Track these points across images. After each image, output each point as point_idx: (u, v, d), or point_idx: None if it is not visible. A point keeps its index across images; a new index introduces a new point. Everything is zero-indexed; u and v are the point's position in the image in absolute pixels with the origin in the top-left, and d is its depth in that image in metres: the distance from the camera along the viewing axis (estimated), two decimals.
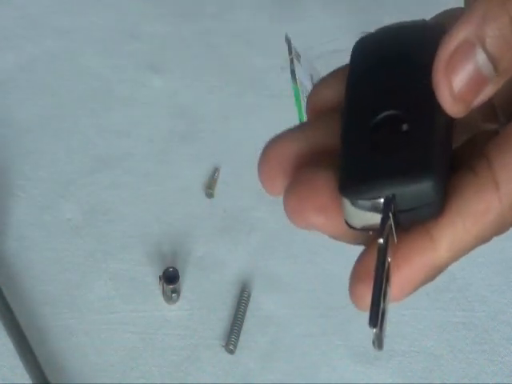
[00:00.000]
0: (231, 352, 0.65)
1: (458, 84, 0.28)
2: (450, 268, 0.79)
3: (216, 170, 0.74)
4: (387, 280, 0.30)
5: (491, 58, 0.28)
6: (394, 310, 0.76)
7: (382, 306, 0.29)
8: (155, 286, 0.67)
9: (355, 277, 0.31)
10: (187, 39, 0.83)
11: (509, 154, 0.29)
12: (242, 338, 0.65)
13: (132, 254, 0.69)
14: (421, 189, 0.29)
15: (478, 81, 0.28)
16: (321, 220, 0.31)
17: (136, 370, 0.64)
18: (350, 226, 0.31)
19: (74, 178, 0.73)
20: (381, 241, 0.29)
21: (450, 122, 0.31)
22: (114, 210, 0.71)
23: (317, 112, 0.34)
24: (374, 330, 0.29)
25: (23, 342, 0.63)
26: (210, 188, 0.73)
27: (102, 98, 0.79)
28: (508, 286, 0.69)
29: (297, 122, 0.63)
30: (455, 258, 0.31)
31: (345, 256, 0.77)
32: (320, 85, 0.34)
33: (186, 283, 0.68)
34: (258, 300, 0.67)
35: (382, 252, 0.29)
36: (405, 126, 0.30)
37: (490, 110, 0.33)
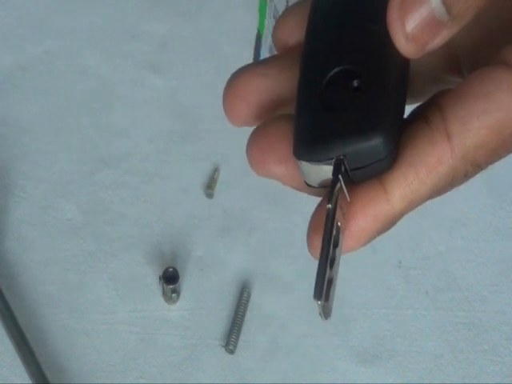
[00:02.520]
0: (231, 352, 0.65)
1: (411, 25, 0.28)
2: (449, 268, 0.80)
3: (216, 170, 0.74)
4: (335, 246, 0.30)
5: (444, 1, 0.28)
6: (394, 309, 0.77)
7: (328, 274, 0.29)
8: (155, 286, 0.67)
9: (311, 228, 0.31)
10: (187, 39, 0.83)
11: (462, 106, 0.29)
12: (242, 337, 0.65)
13: (132, 254, 0.69)
14: (371, 147, 0.29)
15: (431, 23, 0.28)
16: (281, 171, 0.32)
17: (136, 370, 0.64)
18: (308, 185, 0.31)
19: (74, 178, 0.73)
20: (329, 206, 0.29)
21: (405, 69, 0.31)
22: (113, 210, 0.71)
23: (283, 48, 0.34)
24: (319, 302, 0.28)
25: (23, 342, 0.63)
26: (210, 188, 0.73)
27: (102, 98, 0.79)
28: (508, 286, 0.69)
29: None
30: (409, 208, 0.31)
31: (345, 256, 0.77)
32: (284, 18, 0.34)
33: (186, 283, 0.68)
34: (258, 300, 0.67)
35: (330, 218, 0.29)
36: (356, 82, 0.30)
37: (454, 63, 0.33)
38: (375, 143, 0.29)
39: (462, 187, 0.84)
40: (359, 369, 0.65)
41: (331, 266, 0.29)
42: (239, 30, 0.85)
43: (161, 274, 0.66)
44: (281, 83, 0.32)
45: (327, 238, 0.29)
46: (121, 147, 0.75)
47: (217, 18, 0.86)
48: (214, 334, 0.66)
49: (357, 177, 0.30)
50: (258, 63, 0.33)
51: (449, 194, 0.86)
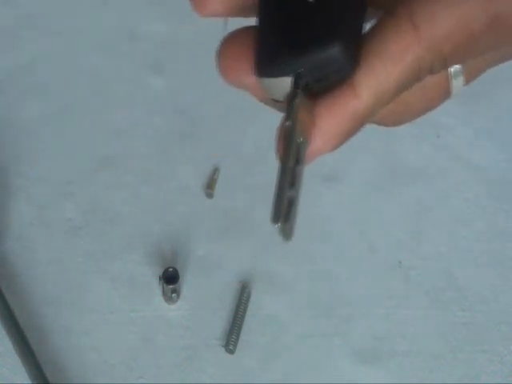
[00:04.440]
0: (231, 352, 0.65)
1: None
2: (449, 268, 0.79)
3: (216, 170, 0.74)
4: (297, 163, 0.29)
5: None
6: (394, 309, 0.77)
7: (288, 194, 0.28)
8: (155, 286, 0.67)
9: (277, 141, 0.30)
10: (187, 39, 0.83)
11: None
12: (242, 337, 0.65)
13: (132, 254, 0.69)
14: (328, 56, 0.29)
15: None
16: (251, 81, 0.31)
17: (136, 370, 0.64)
18: (275, 100, 0.31)
19: (74, 178, 0.73)
20: (287, 123, 0.29)
21: None
22: (113, 210, 0.72)
23: None
24: (277, 225, 0.27)
25: (23, 342, 0.63)
26: (210, 188, 0.73)
27: (102, 97, 0.79)
28: (508, 286, 0.69)
29: None
30: (378, 103, 0.30)
31: (345, 256, 0.77)
32: None
33: (186, 283, 0.68)
34: (258, 300, 0.67)
35: (289, 134, 0.29)
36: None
37: None
38: (332, 52, 0.29)
39: (463, 187, 0.84)
40: (359, 369, 0.65)
41: (292, 185, 0.28)
42: None
43: (161, 274, 0.66)
44: None
45: (286, 156, 0.28)
46: (121, 147, 0.75)
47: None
48: (214, 334, 0.66)
49: (321, 88, 0.30)
50: None
51: (449, 194, 0.86)
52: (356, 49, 0.29)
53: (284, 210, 0.28)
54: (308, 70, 0.29)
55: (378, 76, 0.29)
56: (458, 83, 0.33)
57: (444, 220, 0.72)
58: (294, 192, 0.28)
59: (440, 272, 0.70)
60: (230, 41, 0.32)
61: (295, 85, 0.29)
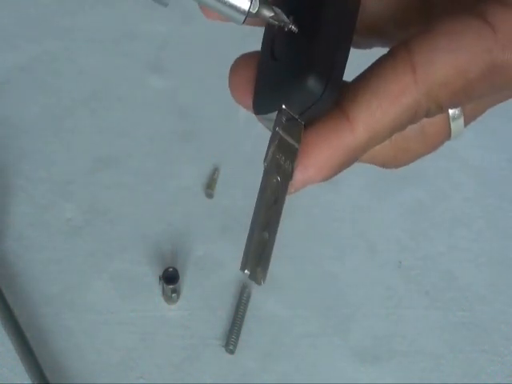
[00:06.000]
0: (231, 352, 0.65)
1: None
2: (449, 268, 0.79)
3: (216, 170, 0.74)
4: (275, 202, 0.29)
5: None
6: (394, 309, 0.77)
7: (260, 237, 0.28)
8: (155, 286, 0.67)
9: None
10: (187, 39, 0.83)
11: (428, 41, 0.29)
12: (242, 337, 0.65)
13: (132, 254, 0.69)
14: (302, 90, 0.29)
15: None
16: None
17: (136, 370, 0.64)
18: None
19: (74, 178, 0.73)
20: (264, 164, 0.29)
21: (348, 14, 0.31)
22: (113, 210, 0.71)
23: None
24: (246, 271, 0.27)
25: (23, 342, 0.63)
26: (210, 188, 0.73)
27: (101, 98, 0.79)
28: (508, 286, 0.69)
29: None
30: (372, 141, 0.30)
31: (345, 256, 0.77)
32: None
33: (186, 283, 0.68)
34: (258, 300, 0.67)
35: (265, 175, 0.29)
36: (295, 31, 0.30)
37: (429, 12, 0.33)
38: (304, 86, 0.29)
39: (462, 187, 0.84)
40: (359, 369, 0.65)
41: (266, 227, 0.28)
42: (239, 30, 0.85)
43: (161, 273, 0.66)
44: None
45: (262, 196, 0.28)
46: (121, 147, 0.75)
47: None
48: (214, 334, 0.66)
49: (307, 119, 0.30)
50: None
51: (449, 194, 0.86)
52: (335, 80, 0.29)
53: (256, 255, 0.27)
54: (289, 105, 0.29)
55: (374, 114, 0.29)
56: (457, 126, 0.33)
57: (444, 220, 0.72)
58: (268, 234, 0.28)
59: (440, 272, 0.70)
60: (244, 61, 0.33)
61: (275, 123, 0.29)
